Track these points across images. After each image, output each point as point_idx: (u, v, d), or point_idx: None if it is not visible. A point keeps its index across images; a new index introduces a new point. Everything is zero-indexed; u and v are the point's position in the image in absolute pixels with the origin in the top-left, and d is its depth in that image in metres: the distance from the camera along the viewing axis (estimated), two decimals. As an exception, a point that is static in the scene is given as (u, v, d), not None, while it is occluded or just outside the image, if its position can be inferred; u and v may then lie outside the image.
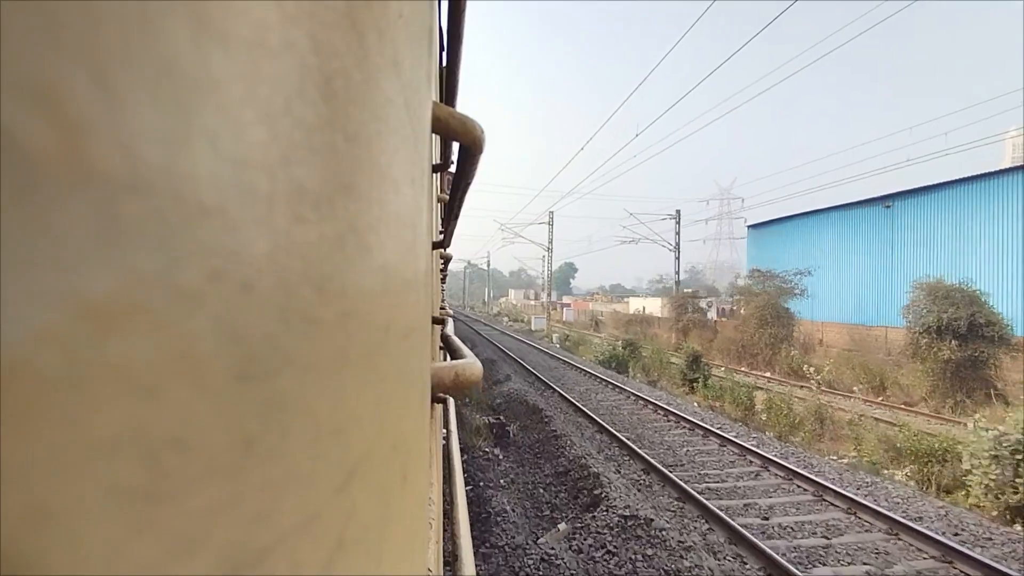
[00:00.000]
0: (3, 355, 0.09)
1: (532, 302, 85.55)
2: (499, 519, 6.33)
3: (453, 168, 1.09)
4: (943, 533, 6.14)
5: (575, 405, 12.29)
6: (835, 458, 10.26)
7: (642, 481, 7.78)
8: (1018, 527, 7.10)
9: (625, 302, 66.86)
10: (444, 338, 1.56)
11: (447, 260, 3.08)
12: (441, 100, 1.33)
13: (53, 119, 0.10)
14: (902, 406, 15.64)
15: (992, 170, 18.70)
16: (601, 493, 6.73)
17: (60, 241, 0.10)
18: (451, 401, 1.59)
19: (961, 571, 5.34)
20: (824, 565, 5.47)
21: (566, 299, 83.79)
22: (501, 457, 9.01)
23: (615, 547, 5.56)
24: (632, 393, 13.88)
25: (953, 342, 15.70)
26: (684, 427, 10.87)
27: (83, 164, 0.10)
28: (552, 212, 40.87)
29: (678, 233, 33.39)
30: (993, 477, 7.95)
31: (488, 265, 74.16)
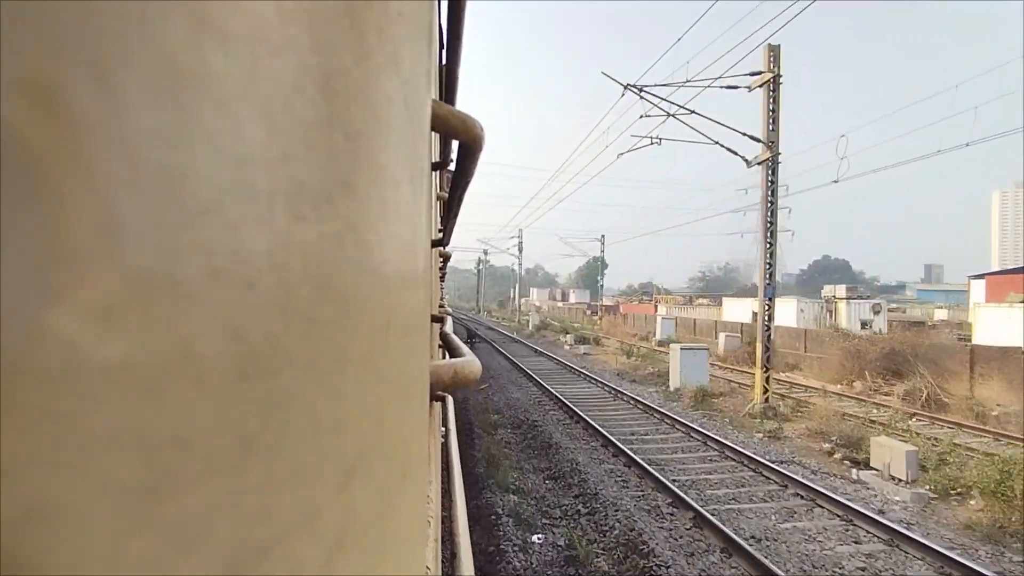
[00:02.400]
0: (4, 353, 0.09)
1: (559, 303, 70.78)
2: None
3: (453, 166, 1.09)
4: None
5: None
6: None
7: None
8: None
9: (698, 303, 50.85)
10: (443, 336, 1.56)
11: (446, 258, 3.07)
12: (441, 98, 1.33)
13: (53, 117, 0.10)
14: None
15: None
16: None
17: (60, 239, 0.10)
18: (450, 399, 1.60)
19: None
20: None
21: (606, 300, 63.37)
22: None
23: None
24: None
25: None
26: None
27: (83, 162, 0.10)
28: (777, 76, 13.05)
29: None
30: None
31: (520, 250, 49.79)
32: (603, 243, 45.52)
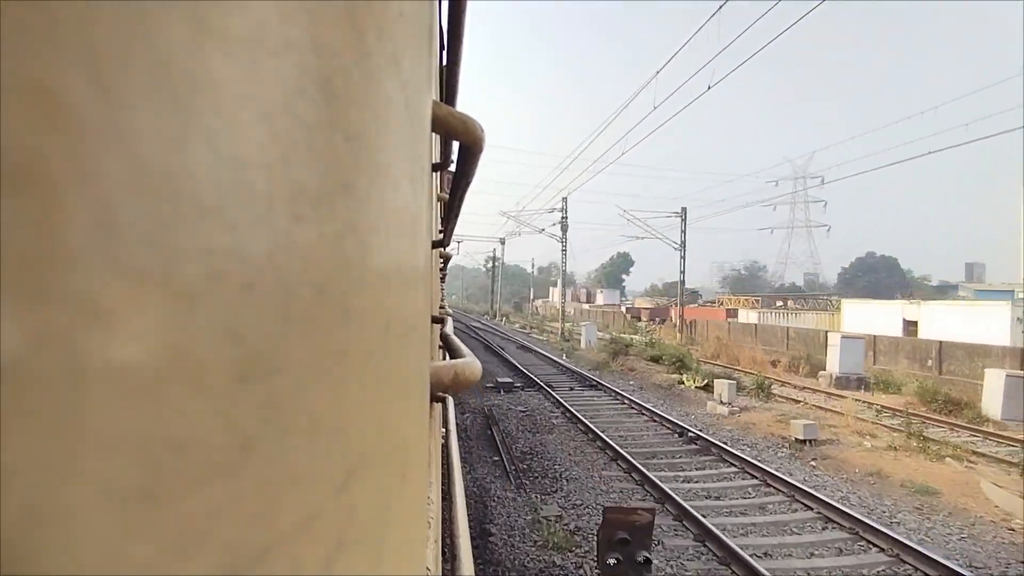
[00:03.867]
0: (3, 355, 0.09)
1: (585, 306, 55.72)
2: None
3: (453, 167, 1.09)
4: None
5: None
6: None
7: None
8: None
9: (792, 308, 36.43)
10: (443, 337, 1.56)
11: (447, 259, 3.08)
12: (441, 99, 1.33)
13: (52, 119, 0.10)
14: None
15: None
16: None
17: (59, 241, 0.10)
18: (450, 400, 1.60)
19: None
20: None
21: (641, 302, 55.20)
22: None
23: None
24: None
25: None
26: None
27: (82, 164, 0.10)
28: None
29: None
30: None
31: (564, 229, 30.74)
32: (684, 219, 28.23)
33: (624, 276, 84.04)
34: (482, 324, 41.28)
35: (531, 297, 63.31)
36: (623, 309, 49.22)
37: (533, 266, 56.29)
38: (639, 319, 40.01)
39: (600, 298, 62.17)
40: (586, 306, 56.19)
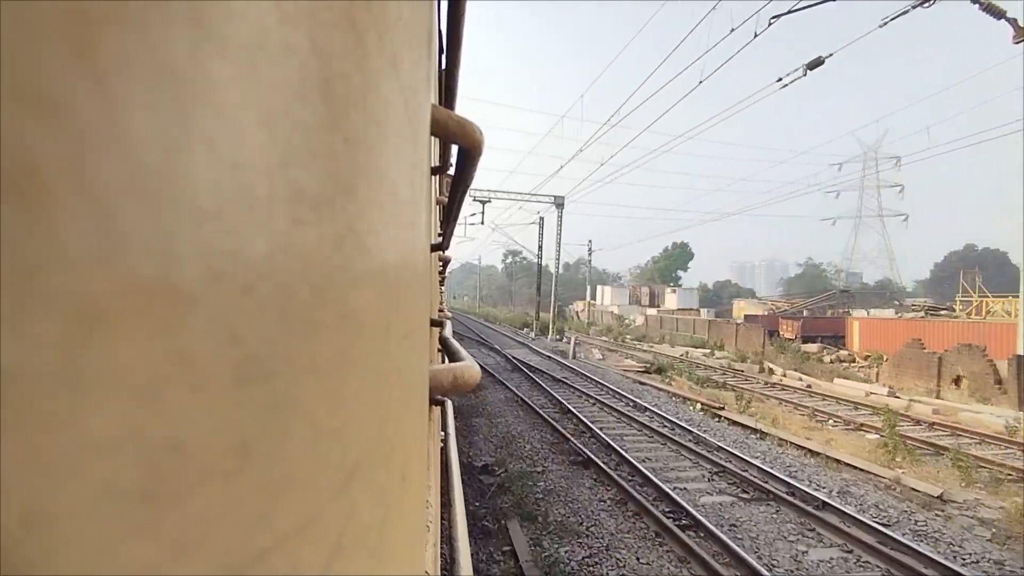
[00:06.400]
0: (2, 357, 0.09)
1: (651, 310, 38.32)
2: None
3: (452, 171, 1.10)
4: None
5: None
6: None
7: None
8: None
9: None
10: (442, 340, 1.56)
11: (446, 262, 3.08)
12: (440, 102, 1.33)
13: (52, 122, 0.10)
14: None
15: None
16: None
17: (59, 244, 0.10)
18: (449, 403, 1.60)
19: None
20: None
21: (747, 307, 39.47)
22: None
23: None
24: None
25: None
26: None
27: (81, 168, 0.10)
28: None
29: None
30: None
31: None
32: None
33: (680, 272, 62.43)
34: (534, 354, 20.50)
35: (587, 296, 42.42)
36: (709, 316, 32.29)
37: (590, 252, 34.65)
38: (774, 333, 23.68)
39: (671, 300, 43.81)
40: (652, 311, 38.17)
